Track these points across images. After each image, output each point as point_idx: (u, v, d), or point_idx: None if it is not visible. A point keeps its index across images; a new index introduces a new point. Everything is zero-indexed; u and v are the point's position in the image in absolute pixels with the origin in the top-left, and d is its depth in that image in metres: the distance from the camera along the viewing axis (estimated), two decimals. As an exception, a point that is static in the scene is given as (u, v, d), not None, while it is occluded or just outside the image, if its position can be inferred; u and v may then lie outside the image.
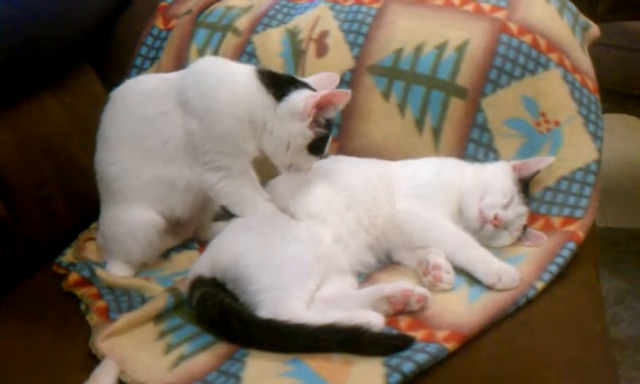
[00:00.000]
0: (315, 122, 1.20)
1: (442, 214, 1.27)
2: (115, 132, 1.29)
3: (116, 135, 1.29)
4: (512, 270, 1.16)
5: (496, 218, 1.25)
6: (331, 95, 1.19)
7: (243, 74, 1.24)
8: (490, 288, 1.15)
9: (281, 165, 1.26)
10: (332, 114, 1.21)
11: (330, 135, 1.24)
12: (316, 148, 1.22)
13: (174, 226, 1.31)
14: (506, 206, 1.27)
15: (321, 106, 1.19)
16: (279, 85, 1.23)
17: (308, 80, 1.28)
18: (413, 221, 1.25)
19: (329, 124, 1.23)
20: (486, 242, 1.25)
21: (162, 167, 1.25)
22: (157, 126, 1.25)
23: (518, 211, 1.28)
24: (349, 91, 1.21)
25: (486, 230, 1.26)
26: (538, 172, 1.34)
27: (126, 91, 1.34)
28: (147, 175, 1.26)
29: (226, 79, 1.24)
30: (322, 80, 1.29)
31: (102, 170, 1.30)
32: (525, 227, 1.30)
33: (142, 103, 1.29)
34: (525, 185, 1.32)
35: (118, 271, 1.26)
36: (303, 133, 1.20)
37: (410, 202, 1.28)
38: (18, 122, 1.37)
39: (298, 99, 1.20)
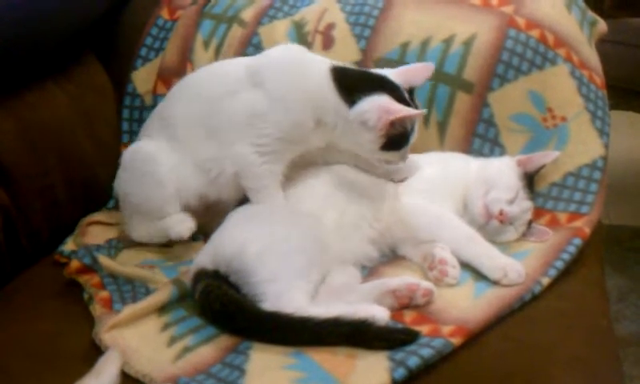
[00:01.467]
0: (390, 128, 1.16)
1: (448, 208, 1.27)
2: (179, 110, 1.30)
3: (180, 113, 1.30)
4: (518, 266, 1.15)
5: (501, 213, 1.24)
6: (407, 115, 1.15)
7: (319, 72, 1.21)
8: (495, 283, 1.14)
9: (369, 159, 1.26)
10: (408, 125, 1.18)
11: (414, 129, 1.20)
12: (394, 145, 1.19)
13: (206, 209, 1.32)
14: (511, 202, 1.26)
15: (396, 122, 1.16)
16: (352, 87, 1.19)
17: (392, 72, 1.23)
18: (418, 215, 1.25)
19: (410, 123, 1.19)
20: (491, 238, 1.25)
21: (218, 148, 1.25)
22: (222, 107, 1.25)
23: (523, 206, 1.27)
24: (424, 111, 1.18)
25: (491, 226, 1.26)
26: (543, 167, 1.33)
27: (198, 73, 1.38)
28: (203, 154, 1.26)
29: (301, 74, 1.23)
30: (414, 70, 1.25)
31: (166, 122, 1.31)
32: (530, 222, 1.29)
33: (212, 82, 1.30)
34: (530, 180, 1.31)
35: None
36: (373, 141, 1.18)
37: (415, 196, 1.28)
38: (21, 110, 1.37)
39: (371, 111, 1.16)
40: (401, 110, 1.15)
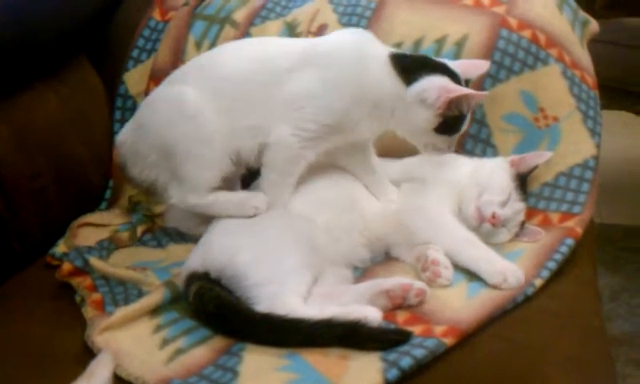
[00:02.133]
0: (447, 109, 1.18)
1: (445, 211, 1.26)
2: (235, 68, 1.26)
3: (234, 71, 1.26)
4: (518, 271, 1.14)
5: (494, 216, 1.24)
6: (470, 94, 1.18)
7: (379, 59, 1.22)
8: (494, 288, 1.14)
9: (417, 144, 1.27)
10: (464, 109, 1.20)
11: (467, 116, 1.23)
12: (447, 129, 1.21)
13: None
14: (503, 204, 1.26)
15: (455, 101, 1.17)
16: (411, 69, 1.21)
17: (452, 62, 1.25)
18: (416, 219, 1.25)
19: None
20: (484, 239, 1.25)
21: (262, 119, 1.23)
22: (280, 80, 1.23)
23: (515, 208, 1.27)
24: (486, 93, 1.20)
25: (484, 228, 1.26)
26: (535, 167, 1.34)
27: (261, 39, 1.39)
28: (244, 121, 1.24)
29: (361, 62, 1.22)
30: (471, 64, 1.28)
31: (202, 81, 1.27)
32: (523, 223, 1.29)
33: (276, 53, 1.27)
34: (522, 180, 1.31)
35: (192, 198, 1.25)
36: (429, 119, 1.19)
37: (411, 200, 1.28)
38: (13, 113, 1.36)
39: (431, 87, 1.18)
40: (461, 89, 1.18)
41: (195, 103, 1.24)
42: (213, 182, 1.25)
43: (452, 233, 1.22)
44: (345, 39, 1.28)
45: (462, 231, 1.23)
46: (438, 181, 1.31)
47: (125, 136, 1.34)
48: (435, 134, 1.21)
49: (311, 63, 1.23)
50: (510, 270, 1.14)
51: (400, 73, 1.21)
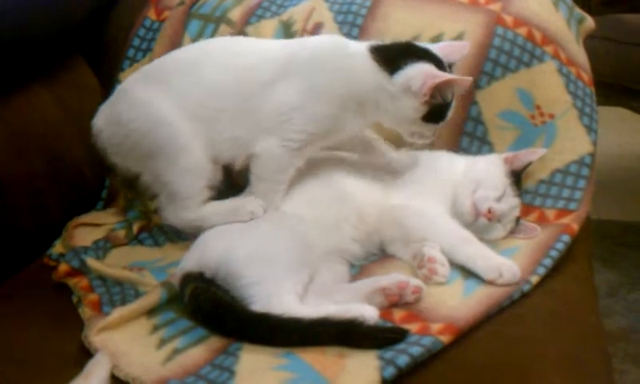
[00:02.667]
0: (431, 98, 1.18)
1: (440, 208, 1.27)
2: (212, 77, 1.26)
3: (212, 80, 1.26)
4: (514, 266, 1.15)
5: (489, 211, 1.25)
6: (454, 80, 1.17)
7: (359, 55, 1.22)
8: (490, 283, 1.14)
9: (402, 133, 1.26)
10: (449, 95, 1.19)
11: (452, 103, 1.22)
12: (433, 117, 1.21)
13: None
14: (498, 199, 1.26)
15: (440, 87, 1.17)
16: (394, 58, 1.20)
17: (433, 47, 1.25)
18: (411, 217, 1.25)
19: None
20: (480, 235, 1.25)
21: (245, 131, 1.23)
22: (263, 93, 1.23)
23: (510, 203, 1.27)
24: (470, 79, 1.19)
25: (480, 224, 1.26)
26: (530, 164, 1.34)
27: (237, 42, 1.37)
28: (226, 132, 1.24)
29: (342, 63, 1.23)
30: (451, 47, 1.27)
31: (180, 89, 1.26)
32: (518, 219, 1.29)
33: (256, 64, 1.27)
34: (517, 177, 1.32)
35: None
36: (415, 108, 1.19)
37: (407, 197, 1.28)
38: (8, 114, 1.36)
39: (416, 75, 1.18)
40: (445, 75, 1.17)
41: (175, 113, 1.24)
42: (199, 192, 1.25)
43: (447, 229, 1.23)
44: (322, 44, 1.29)
45: (457, 228, 1.23)
46: (432, 177, 1.31)
47: (101, 123, 1.32)
48: (422, 122, 1.21)
49: (294, 73, 1.23)
50: (505, 265, 1.15)
51: (382, 63, 1.20)
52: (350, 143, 1.32)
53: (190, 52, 1.37)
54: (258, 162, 1.24)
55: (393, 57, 1.21)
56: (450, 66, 1.24)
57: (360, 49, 1.24)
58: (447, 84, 1.17)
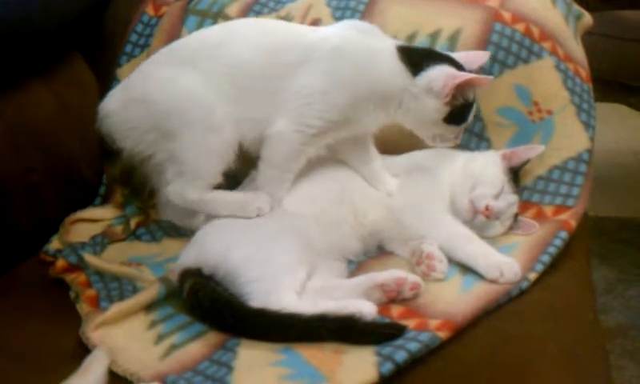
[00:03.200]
0: (453, 98, 1.20)
1: (440, 206, 1.27)
2: (245, 56, 1.26)
3: (244, 59, 1.26)
4: (515, 265, 1.14)
5: (487, 208, 1.25)
6: (475, 79, 1.19)
7: (387, 52, 1.23)
8: (491, 282, 1.13)
9: (424, 136, 1.28)
10: (470, 95, 1.21)
11: (474, 104, 1.25)
12: (455, 119, 1.23)
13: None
14: (496, 196, 1.26)
15: (461, 88, 1.19)
16: (418, 60, 1.22)
17: (455, 55, 1.27)
18: (410, 215, 1.25)
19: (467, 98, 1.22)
20: (478, 233, 1.25)
21: (268, 112, 1.23)
22: (288, 74, 1.23)
23: (508, 200, 1.27)
24: (491, 78, 1.22)
25: (478, 221, 1.26)
26: (528, 161, 1.34)
27: (270, 23, 1.38)
28: (251, 112, 1.24)
29: (370, 57, 1.23)
30: (471, 56, 1.29)
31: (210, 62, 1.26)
32: (516, 216, 1.29)
33: (286, 45, 1.27)
34: (515, 173, 1.32)
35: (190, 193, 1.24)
36: (438, 109, 1.20)
37: (406, 195, 1.28)
38: (5, 109, 1.35)
39: (437, 76, 1.20)
40: (466, 75, 1.20)
41: (205, 91, 1.23)
42: (215, 175, 1.25)
43: (447, 228, 1.22)
44: (353, 33, 1.28)
45: (458, 226, 1.23)
46: (431, 176, 1.31)
47: (114, 105, 1.32)
48: (444, 124, 1.23)
49: (322, 58, 1.23)
50: (506, 264, 1.14)
51: (407, 64, 1.22)
52: (349, 143, 1.31)
53: (215, 31, 1.36)
54: (271, 144, 1.23)
55: (417, 59, 1.22)
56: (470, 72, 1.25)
57: (389, 45, 1.25)
58: (468, 83, 1.19)
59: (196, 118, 1.23)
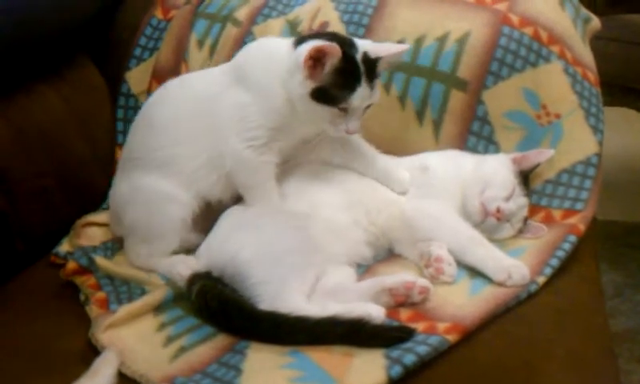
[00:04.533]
0: (320, 73, 1.16)
1: (449, 209, 1.27)
2: (166, 115, 1.30)
3: (167, 118, 1.29)
4: (523, 268, 1.14)
5: (498, 210, 1.25)
6: (323, 46, 1.13)
7: (284, 47, 1.23)
8: (499, 285, 1.13)
9: (318, 124, 1.24)
10: (328, 66, 1.15)
11: (355, 92, 1.16)
12: (325, 98, 1.17)
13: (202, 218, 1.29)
14: (507, 199, 1.26)
15: (314, 57, 1.14)
16: (303, 40, 1.21)
17: (370, 43, 1.23)
18: (422, 218, 1.25)
19: (345, 77, 1.16)
20: (488, 235, 1.25)
21: (212, 150, 1.25)
22: (210, 106, 1.26)
23: (519, 203, 1.27)
24: (336, 46, 1.13)
25: (488, 223, 1.26)
26: (538, 165, 1.34)
27: (180, 80, 1.40)
28: (199, 160, 1.26)
29: (270, 58, 1.24)
30: (387, 46, 1.27)
31: (145, 155, 1.29)
32: (526, 219, 1.29)
33: (197, 85, 1.32)
34: (525, 177, 1.32)
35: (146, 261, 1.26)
36: (301, 82, 1.17)
37: (417, 199, 1.28)
38: (15, 113, 1.36)
39: (303, 49, 1.17)
40: (320, 42, 1.14)
41: (165, 190, 1.26)
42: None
43: (456, 231, 1.22)
44: (255, 45, 1.33)
45: (467, 229, 1.23)
46: (440, 178, 1.31)
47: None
48: (314, 102, 1.17)
49: (236, 78, 1.26)
50: (514, 266, 1.14)
51: (295, 46, 1.21)
52: (333, 150, 1.31)
53: (138, 119, 1.38)
54: (233, 171, 1.25)
55: (302, 40, 1.21)
56: (378, 58, 1.20)
57: (286, 41, 1.25)
58: (319, 51, 1.13)
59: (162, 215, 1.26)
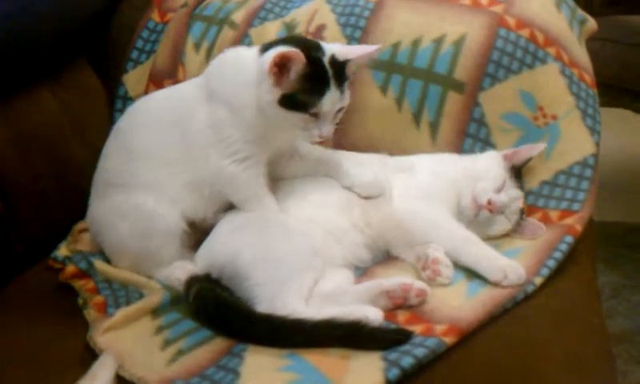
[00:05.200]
0: (286, 80, 1.14)
1: (443, 211, 1.27)
2: (143, 141, 1.27)
3: (144, 144, 1.27)
4: (518, 267, 1.14)
5: (489, 202, 1.25)
6: (285, 53, 1.11)
7: (250, 55, 1.22)
8: (495, 285, 1.14)
9: (296, 135, 1.23)
10: (293, 72, 1.13)
11: (324, 96, 1.14)
12: (295, 105, 1.15)
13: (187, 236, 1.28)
14: (498, 190, 1.27)
15: (278, 64, 1.12)
16: (269, 46, 1.18)
17: (338, 46, 1.21)
18: (415, 220, 1.25)
19: (313, 82, 1.14)
20: (485, 231, 1.26)
21: (193, 171, 1.24)
22: (183, 130, 1.24)
23: (511, 195, 1.28)
24: (299, 52, 1.11)
25: (482, 217, 1.26)
26: (529, 159, 1.34)
27: (150, 99, 1.37)
28: (179, 182, 1.24)
29: (237, 70, 1.23)
30: (353, 47, 1.26)
31: (127, 180, 1.26)
32: (522, 213, 1.29)
33: (170, 106, 1.29)
34: (517, 170, 1.32)
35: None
36: (268, 89, 1.15)
37: (410, 200, 1.28)
38: (12, 116, 1.36)
39: (269, 56, 1.14)
40: (283, 49, 1.12)
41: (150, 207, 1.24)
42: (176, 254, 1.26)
43: (451, 232, 1.23)
44: (219, 60, 1.30)
45: (461, 230, 1.23)
46: (433, 179, 1.31)
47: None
48: (282, 109, 1.15)
49: (206, 95, 1.24)
50: (510, 266, 1.15)
51: (262, 52, 1.19)
52: (306, 163, 1.31)
53: (111, 144, 1.35)
54: (223, 188, 1.24)
55: (269, 46, 1.19)
56: (346, 61, 1.18)
57: (252, 49, 1.24)
58: (283, 58, 1.11)
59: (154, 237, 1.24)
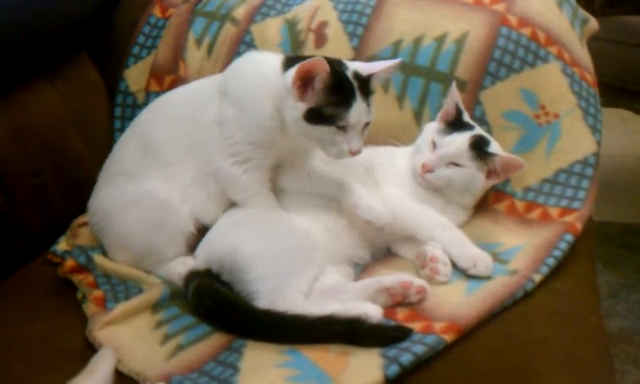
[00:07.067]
0: (312, 94, 1.13)
1: (405, 198, 1.27)
2: (159, 134, 1.28)
3: (160, 137, 1.27)
4: (487, 259, 1.16)
5: (423, 165, 1.26)
6: (307, 65, 1.10)
7: (272, 64, 1.20)
8: (463, 272, 1.16)
9: (319, 146, 1.19)
10: (318, 84, 1.12)
11: (351, 108, 1.12)
12: (321, 119, 1.13)
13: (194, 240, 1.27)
14: (432, 151, 1.28)
15: (302, 78, 1.12)
16: (294, 62, 1.15)
17: (362, 64, 1.19)
18: (394, 208, 1.24)
19: (339, 94, 1.13)
20: (460, 196, 1.29)
21: (199, 167, 1.24)
22: (193, 126, 1.25)
23: (448, 141, 1.27)
24: (323, 60, 1.10)
25: (430, 181, 1.27)
26: (460, 109, 1.32)
27: (172, 93, 1.37)
28: (188, 178, 1.25)
29: (256, 73, 1.23)
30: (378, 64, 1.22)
31: (141, 172, 1.26)
32: (490, 154, 1.27)
33: (187, 101, 1.30)
34: (476, 145, 1.28)
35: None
36: (293, 106, 1.14)
37: (389, 189, 1.29)
38: (13, 110, 1.36)
39: (292, 72, 1.14)
40: (309, 61, 1.10)
41: (163, 196, 1.24)
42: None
43: (426, 219, 1.24)
44: (242, 60, 1.29)
45: (435, 217, 1.24)
46: (388, 172, 1.32)
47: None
48: (309, 124, 1.14)
49: (220, 93, 1.24)
50: (479, 256, 1.16)
51: (284, 68, 1.18)
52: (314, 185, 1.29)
53: (130, 134, 1.35)
54: (226, 188, 1.24)
55: (293, 62, 1.15)
56: (371, 75, 1.18)
57: (274, 58, 1.23)
58: (305, 70, 1.11)
59: (165, 224, 1.24)
